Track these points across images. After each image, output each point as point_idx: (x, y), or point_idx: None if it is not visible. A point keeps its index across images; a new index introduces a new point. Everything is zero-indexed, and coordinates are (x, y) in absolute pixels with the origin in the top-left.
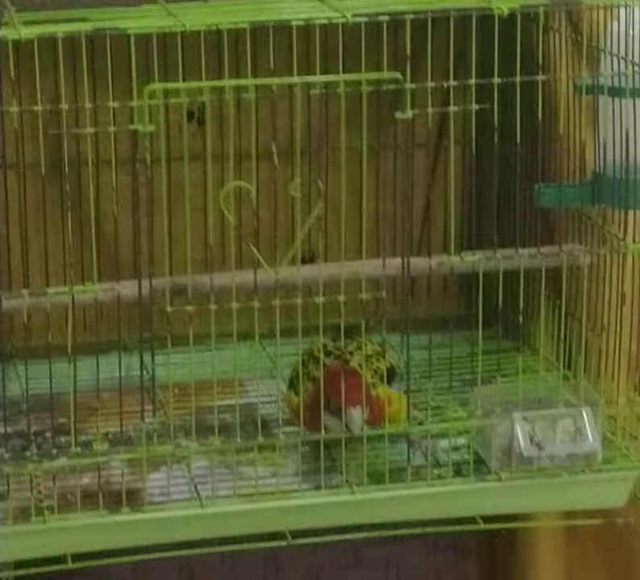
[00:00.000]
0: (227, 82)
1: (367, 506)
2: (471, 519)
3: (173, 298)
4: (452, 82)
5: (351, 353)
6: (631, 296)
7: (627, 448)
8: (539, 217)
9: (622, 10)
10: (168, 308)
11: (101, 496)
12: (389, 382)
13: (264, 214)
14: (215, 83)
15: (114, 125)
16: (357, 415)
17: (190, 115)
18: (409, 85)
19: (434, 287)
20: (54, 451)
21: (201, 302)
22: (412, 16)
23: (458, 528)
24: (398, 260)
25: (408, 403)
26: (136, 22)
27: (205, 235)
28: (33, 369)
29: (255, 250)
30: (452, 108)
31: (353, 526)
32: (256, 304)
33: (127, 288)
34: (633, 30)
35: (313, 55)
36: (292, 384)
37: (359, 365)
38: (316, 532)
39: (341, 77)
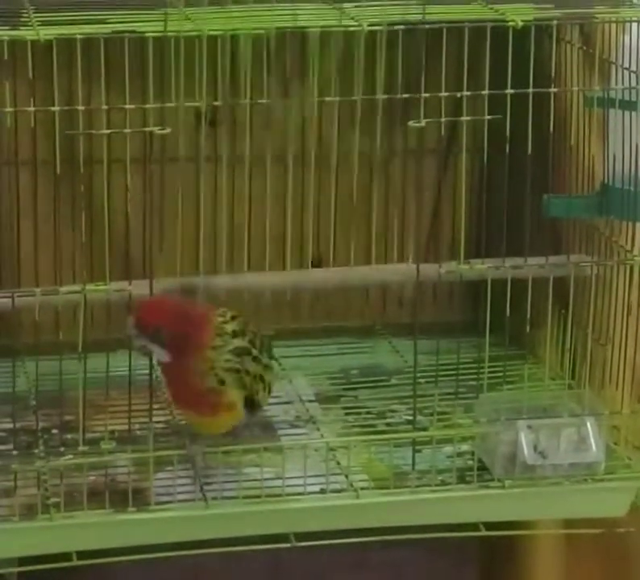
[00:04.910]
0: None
1: (371, 510)
2: (474, 526)
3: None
4: (465, 92)
5: None
6: (637, 307)
7: (630, 458)
8: (547, 227)
9: (634, 25)
10: None
11: (107, 495)
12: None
13: (274, 216)
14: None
15: (127, 124)
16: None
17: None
18: (422, 95)
19: (441, 293)
20: (61, 449)
21: (210, 302)
22: (427, 26)
23: (460, 533)
24: (405, 266)
25: (414, 408)
26: (154, 25)
27: (215, 237)
28: (40, 365)
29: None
30: (465, 118)
31: (356, 530)
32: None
33: (139, 288)
34: None
35: (328, 62)
36: None
37: None
38: (319, 535)
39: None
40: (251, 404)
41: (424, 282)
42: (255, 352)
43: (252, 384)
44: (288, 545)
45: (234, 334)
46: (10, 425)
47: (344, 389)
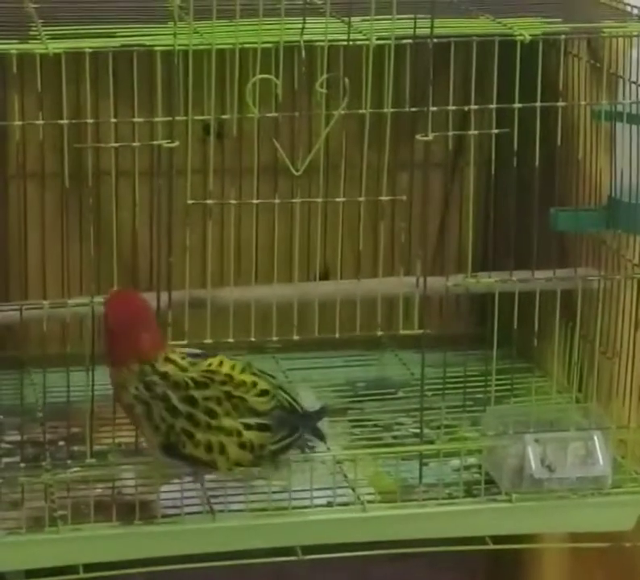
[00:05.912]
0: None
1: (378, 523)
2: (481, 539)
3: (190, 310)
4: (473, 106)
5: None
6: None
7: (636, 472)
8: (555, 241)
9: None
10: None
11: (114, 507)
12: None
13: (281, 229)
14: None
15: (135, 136)
16: None
17: (207, 128)
18: (430, 108)
19: (447, 305)
20: (68, 461)
21: (217, 314)
22: (435, 40)
23: (467, 547)
24: (413, 279)
25: (421, 421)
26: (163, 39)
27: (222, 249)
28: (47, 377)
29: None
30: (472, 132)
31: (363, 543)
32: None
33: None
34: None
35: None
36: None
37: None
38: (326, 548)
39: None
40: (171, 451)
41: (431, 295)
42: (175, 402)
43: (169, 432)
44: (295, 558)
45: (164, 376)
46: (18, 437)
47: (351, 402)
